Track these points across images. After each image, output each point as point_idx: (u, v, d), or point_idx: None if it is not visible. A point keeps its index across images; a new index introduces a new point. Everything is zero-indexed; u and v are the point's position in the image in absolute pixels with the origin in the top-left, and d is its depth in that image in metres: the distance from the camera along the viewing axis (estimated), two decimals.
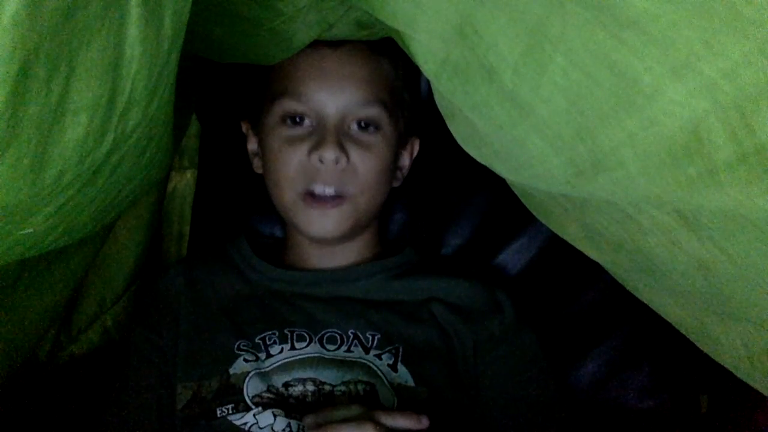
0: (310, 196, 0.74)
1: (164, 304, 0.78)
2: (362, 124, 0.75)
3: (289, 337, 0.72)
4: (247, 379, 0.69)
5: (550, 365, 0.78)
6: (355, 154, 0.74)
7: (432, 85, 0.60)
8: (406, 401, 0.69)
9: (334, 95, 0.74)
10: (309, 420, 0.61)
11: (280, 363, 0.70)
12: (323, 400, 0.68)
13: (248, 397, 0.68)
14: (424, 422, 0.59)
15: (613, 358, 0.86)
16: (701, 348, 0.56)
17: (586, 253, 0.61)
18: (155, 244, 0.89)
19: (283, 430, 0.65)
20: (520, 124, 0.43)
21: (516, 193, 0.68)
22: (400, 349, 0.72)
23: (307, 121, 0.75)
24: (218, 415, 0.67)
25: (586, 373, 0.86)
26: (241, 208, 0.93)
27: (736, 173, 0.32)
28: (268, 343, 0.72)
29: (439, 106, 0.64)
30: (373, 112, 0.75)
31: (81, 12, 0.34)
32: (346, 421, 0.58)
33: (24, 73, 0.32)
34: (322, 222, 0.75)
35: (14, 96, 0.32)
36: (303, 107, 0.74)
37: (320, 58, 0.74)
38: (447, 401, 0.71)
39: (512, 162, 0.54)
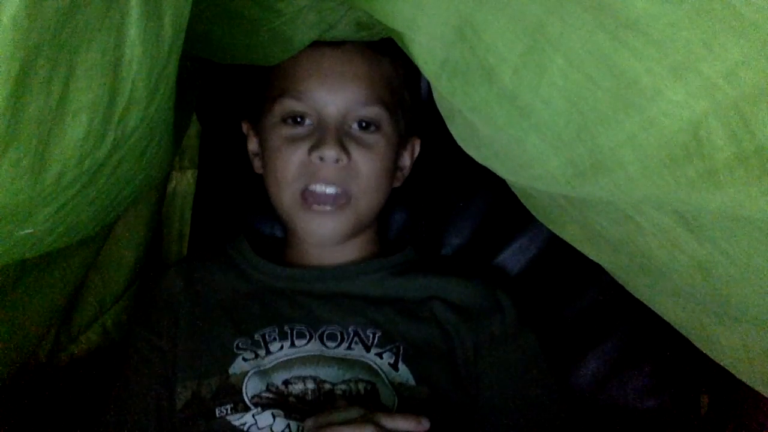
0: (310, 195, 0.74)
1: (163, 304, 0.78)
2: (363, 123, 0.75)
3: (289, 333, 0.72)
4: (246, 378, 0.69)
5: (551, 365, 0.78)
6: (356, 154, 0.74)
7: (432, 86, 0.60)
8: (406, 400, 0.69)
9: (334, 94, 0.74)
10: (309, 423, 0.61)
11: (280, 360, 0.70)
12: (323, 399, 0.68)
13: (247, 397, 0.68)
14: (425, 424, 0.59)
15: (613, 358, 0.86)
16: (701, 348, 0.56)
17: (585, 254, 0.61)
18: (155, 244, 0.89)
19: (283, 431, 0.65)
20: (520, 124, 0.43)
21: (516, 193, 0.68)
22: (401, 348, 0.72)
23: (307, 121, 0.75)
24: (217, 415, 0.67)
25: (587, 373, 0.86)
26: (242, 208, 0.93)
27: (735, 174, 0.31)
28: (267, 339, 0.72)
29: (439, 107, 0.64)
30: (374, 111, 0.75)
31: (81, 12, 0.34)
32: (346, 423, 0.58)
33: (24, 73, 0.32)
34: (321, 227, 0.75)
35: (14, 96, 0.32)
36: (303, 106, 0.74)
37: (321, 58, 0.74)
38: (448, 401, 0.71)
39: (512, 163, 0.54)
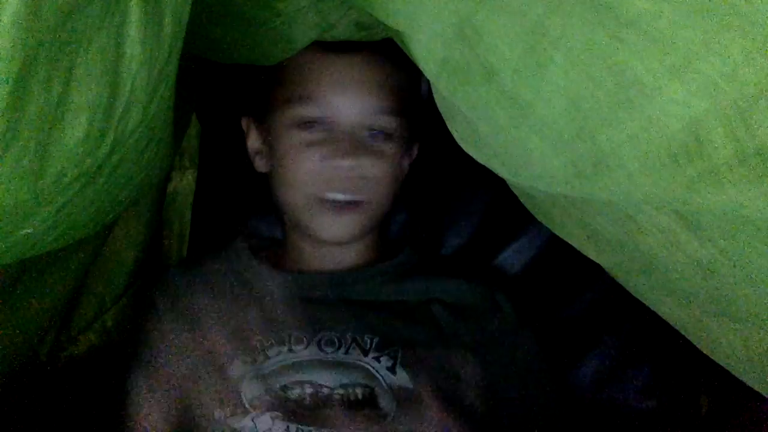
0: (326, 202, 0.74)
1: (165, 304, 0.78)
2: (375, 131, 0.75)
3: (286, 339, 0.72)
4: (244, 382, 0.69)
5: (550, 366, 0.78)
6: (370, 162, 0.74)
7: (432, 85, 0.60)
8: (405, 404, 0.69)
9: (352, 102, 0.74)
10: None
11: (277, 366, 0.70)
12: (322, 404, 0.68)
13: (246, 400, 0.67)
14: None
15: (613, 359, 0.87)
16: (701, 349, 0.56)
17: (585, 254, 0.61)
18: (155, 244, 0.89)
19: None
20: (520, 124, 0.43)
21: (516, 193, 0.68)
22: (399, 352, 0.72)
23: (322, 126, 0.75)
24: (216, 417, 0.67)
25: (587, 373, 0.86)
26: (242, 209, 0.93)
27: (736, 174, 0.31)
28: (265, 345, 0.72)
29: (438, 107, 0.64)
30: (388, 120, 0.76)
31: (81, 12, 0.34)
32: None
33: (24, 73, 0.32)
34: (335, 226, 0.75)
35: (14, 96, 0.32)
36: (320, 113, 0.74)
37: (339, 64, 0.75)
38: (446, 404, 0.71)
39: (512, 162, 0.54)
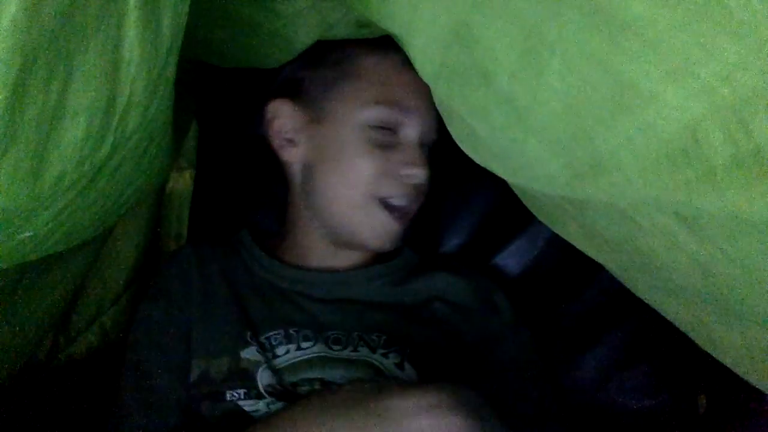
0: (389, 205, 0.75)
1: (178, 281, 0.77)
2: (429, 146, 0.78)
3: (294, 337, 0.72)
4: (260, 369, 0.68)
5: (546, 364, 0.78)
6: (429, 175, 0.76)
7: (430, 88, 0.60)
8: None
9: (429, 116, 0.76)
10: None
11: (287, 364, 0.70)
12: None
13: (262, 385, 0.67)
14: None
15: (612, 358, 0.87)
16: (702, 347, 0.56)
17: (585, 253, 0.61)
18: (154, 245, 0.89)
19: None
20: (518, 127, 0.44)
21: (516, 193, 0.68)
22: (407, 350, 0.72)
23: (391, 132, 0.75)
24: (228, 398, 0.66)
25: (586, 373, 0.87)
26: (239, 209, 0.93)
27: (733, 176, 0.32)
28: (273, 343, 0.71)
29: (437, 108, 0.64)
30: (437, 137, 0.78)
31: (79, 15, 0.34)
32: None
33: (23, 75, 0.32)
34: (385, 234, 0.76)
35: (13, 99, 0.32)
36: (402, 121, 0.75)
37: (415, 77, 0.70)
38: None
39: (510, 164, 0.54)
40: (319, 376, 0.69)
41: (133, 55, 0.40)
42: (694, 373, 0.83)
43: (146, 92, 0.44)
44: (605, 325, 0.87)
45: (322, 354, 0.70)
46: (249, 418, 0.65)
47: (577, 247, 0.62)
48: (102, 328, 0.82)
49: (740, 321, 0.48)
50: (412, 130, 0.75)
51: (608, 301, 0.86)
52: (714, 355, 0.55)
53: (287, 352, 0.71)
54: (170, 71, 0.49)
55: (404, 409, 0.50)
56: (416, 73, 0.70)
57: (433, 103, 0.73)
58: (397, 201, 0.75)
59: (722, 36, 0.28)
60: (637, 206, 0.43)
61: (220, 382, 0.68)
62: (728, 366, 0.54)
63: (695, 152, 0.32)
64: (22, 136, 0.34)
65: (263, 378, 0.68)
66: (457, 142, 0.63)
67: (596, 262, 0.62)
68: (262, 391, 0.67)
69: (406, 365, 0.71)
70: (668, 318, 0.59)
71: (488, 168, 0.61)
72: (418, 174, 0.74)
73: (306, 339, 0.72)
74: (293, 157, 0.78)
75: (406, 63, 0.67)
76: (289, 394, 0.67)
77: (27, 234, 0.42)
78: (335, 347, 0.71)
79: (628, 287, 0.62)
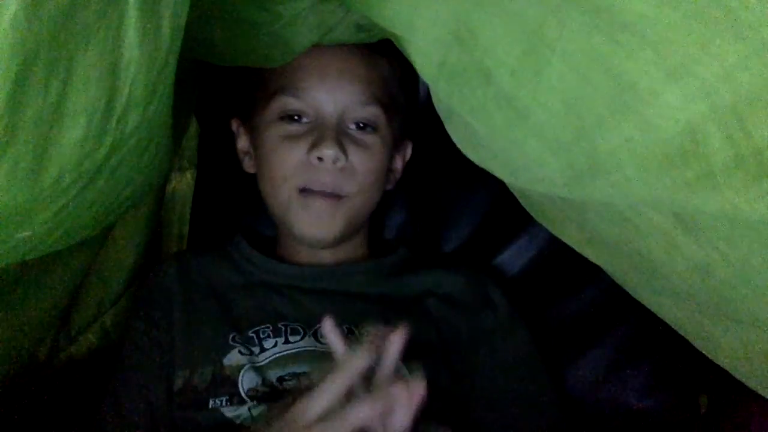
0: (309, 193, 0.73)
1: (158, 294, 0.77)
2: (360, 124, 0.75)
3: (282, 330, 0.72)
4: (242, 372, 0.68)
5: (543, 360, 0.78)
6: (354, 154, 0.73)
7: (430, 88, 0.60)
8: None
9: (334, 94, 0.74)
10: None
11: (274, 357, 0.70)
12: None
13: (243, 390, 0.67)
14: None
15: (612, 358, 0.86)
16: (700, 349, 0.56)
17: (584, 255, 0.61)
18: (155, 245, 0.89)
19: None
20: (518, 127, 0.43)
21: (515, 194, 0.68)
22: None
23: (305, 119, 0.74)
24: (210, 406, 0.66)
25: (586, 373, 0.86)
26: (241, 208, 0.93)
27: (733, 176, 0.32)
28: (261, 336, 0.71)
29: (437, 109, 0.64)
30: (372, 112, 0.75)
31: (79, 14, 0.34)
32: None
33: (22, 75, 0.32)
34: (317, 224, 0.74)
35: (12, 98, 0.32)
36: (302, 104, 0.74)
37: (320, 57, 0.74)
38: (442, 395, 0.71)
39: (510, 165, 0.54)
40: (307, 371, 0.68)
41: (133, 55, 0.40)
42: (694, 373, 0.83)
43: (146, 92, 0.44)
44: (605, 325, 0.87)
45: (310, 348, 0.70)
46: (231, 425, 0.65)
47: (576, 249, 0.62)
48: (102, 328, 0.82)
49: (738, 323, 0.48)
50: (322, 112, 0.73)
51: (608, 300, 0.86)
52: (711, 358, 0.55)
53: (275, 345, 0.70)
54: (170, 71, 0.49)
55: None
56: (328, 50, 0.72)
57: (352, 77, 0.74)
58: (319, 187, 0.73)
59: (722, 36, 0.28)
60: (636, 207, 0.43)
61: (202, 390, 0.68)
62: (725, 368, 0.54)
63: (694, 153, 0.32)
64: (22, 136, 0.34)
65: (246, 382, 0.67)
66: (456, 143, 0.63)
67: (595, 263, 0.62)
68: (244, 396, 0.67)
69: None
70: (666, 320, 0.59)
71: (487, 169, 0.61)
72: (325, 153, 0.71)
73: (294, 333, 0.72)
74: (250, 168, 0.82)
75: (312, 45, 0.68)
76: (272, 395, 0.67)
77: (26, 233, 0.42)
78: (324, 340, 0.71)
79: (626, 289, 0.62)
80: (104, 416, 0.71)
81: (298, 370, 0.69)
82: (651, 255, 0.46)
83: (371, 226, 0.86)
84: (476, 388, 0.74)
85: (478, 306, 0.78)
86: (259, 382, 0.68)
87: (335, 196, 0.74)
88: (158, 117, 0.51)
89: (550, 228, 0.66)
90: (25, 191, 0.38)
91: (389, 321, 0.74)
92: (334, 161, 0.72)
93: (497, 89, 0.42)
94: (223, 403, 0.67)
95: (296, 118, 0.74)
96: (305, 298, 0.76)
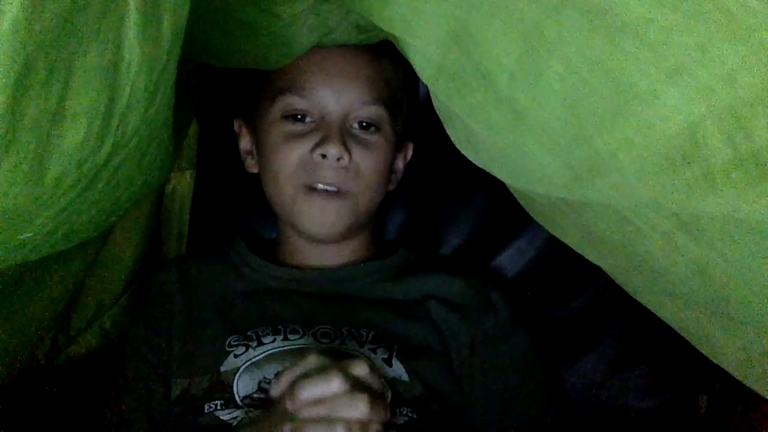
0: (312, 191, 0.74)
1: (157, 300, 0.78)
2: (363, 123, 0.75)
3: (282, 330, 0.72)
4: (237, 375, 0.68)
5: (542, 364, 0.78)
6: (357, 153, 0.74)
7: (429, 90, 0.60)
8: (400, 395, 0.69)
9: (337, 93, 0.74)
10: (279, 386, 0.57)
11: (271, 351, 0.69)
12: None
13: (238, 396, 0.67)
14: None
15: (612, 359, 0.86)
16: (700, 350, 0.56)
17: (584, 256, 0.61)
18: (155, 246, 0.89)
19: None
20: (517, 128, 0.44)
21: (514, 195, 0.68)
22: (395, 347, 0.72)
23: (309, 119, 0.75)
24: (206, 411, 0.66)
25: (586, 374, 0.86)
26: (240, 209, 0.93)
27: (732, 177, 0.32)
28: (260, 334, 0.71)
29: (437, 110, 0.64)
30: (376, 112, 0.75)
31: (80, 16, 0.34)
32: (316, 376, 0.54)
33: (23, 77, 0.32)
34: (322, 218, 0.74)
35: (13, 100, 0.32)
36: (306, 104, 0.74)
37: (324, 57, 0.75)
38: (441, 398, 0.71)
39: (509, 166, 0.54)
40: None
41: (133, 57, 0.40)
42: (694, 373, 0.83)
43: (146, 93, 0.44)
44: (605, 325, 0.87)
45: (309, 345, 0.70)
46: (227, 427, 0.65)
47: (576, 249, 0.62)
48: (102, 329, 0.82)
49: (738, 324, 0.48)
50: (326, 111, 0.74)
51: (608, 300, 0.86)
52: (711, 358, 0.55)
53: (273, 341, 0.70)
54: (170, 72, 0.49)
55: None
56: (332, 50, 0.73)
57: (357, 77, 0.74)
58: (323, 184, 0.74)
59: (722, 38, 0.28)
60: (636, 208, 0.43)
61: (199, 398, 0.68)
62: (725, 369, 0.54)
63: (694, 154, 0.32)
64: (22, 138, 0.34)
65: (241, 387, 0.67)
66: (456, 144, 0.63)
67: (595, 264, 0.62)
68: (239, 402, 0.67)
69: (395, 361, 0.71)
70: (666, 320, 0.59)
71: (487, 170, 0.61)
72: (329, 151, 0.72)
73: (294, 332, 0.72)
74: (252, 168, 0.82)
75: (315, 45, 0.68)
76: (268, 399, 0.67)
77: (27, 235, 0.42)
78: (323, 340, 0.71)
79: (626, 290, 0.63)
80: (105, 422, 0.72)
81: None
82: (650, 255, 0.46)
83: (375, 227, 0.86)
84: (475, 391, 0.74)
85: (478, 310, 0.78)
86: (255, 387, 0.67)
87: (339, 193, 0.74)
88: (159, 118, 0.51)
89: (549, 229, 0.66)
90: (26, 193, 0.38)
91: (390, 324, 0.74)
92: (338, 159, 0.72)
93: (496, 91, 0.42)
94: (218, 406, 0.67)
95: (300, 117, 0.75)
96: (305, 301, 0.76)
